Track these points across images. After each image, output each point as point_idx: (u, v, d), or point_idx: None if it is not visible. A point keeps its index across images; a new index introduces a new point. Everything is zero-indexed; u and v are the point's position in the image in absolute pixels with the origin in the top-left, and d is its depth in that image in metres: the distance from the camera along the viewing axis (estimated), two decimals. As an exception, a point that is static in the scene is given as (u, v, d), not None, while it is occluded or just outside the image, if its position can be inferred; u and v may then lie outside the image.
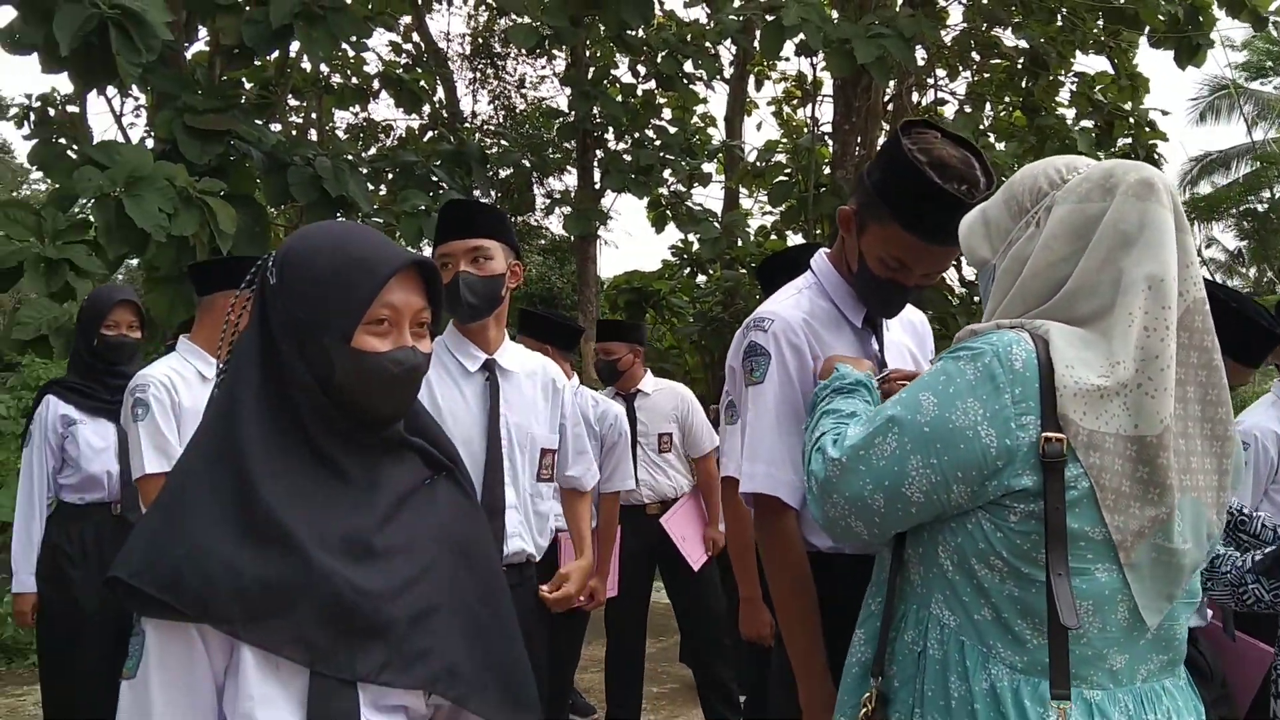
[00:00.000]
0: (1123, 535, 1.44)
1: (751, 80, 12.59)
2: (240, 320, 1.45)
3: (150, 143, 6.52)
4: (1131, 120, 9.20)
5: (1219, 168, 21.81)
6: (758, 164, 9.09)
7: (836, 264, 2.10)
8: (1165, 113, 9.55)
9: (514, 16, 7.17)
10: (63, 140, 6.26)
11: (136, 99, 8.01)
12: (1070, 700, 1.42)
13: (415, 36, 11.23)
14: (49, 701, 3.60)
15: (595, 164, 8.25)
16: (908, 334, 2.24)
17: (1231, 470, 1.52)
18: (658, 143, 7.76)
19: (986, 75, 10.75)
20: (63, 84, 6.59)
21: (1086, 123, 9.36)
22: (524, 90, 12.31)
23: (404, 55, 11.37)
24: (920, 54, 10.01)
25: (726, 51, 11.54)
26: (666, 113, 12.32)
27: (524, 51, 11.55)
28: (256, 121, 6.87)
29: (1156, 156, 9.29)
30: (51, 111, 8.44)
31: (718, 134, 12.05)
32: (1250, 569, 2.22)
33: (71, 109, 8.29)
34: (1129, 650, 1.48)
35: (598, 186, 8.01)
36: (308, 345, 1.35)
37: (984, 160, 1.92)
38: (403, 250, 1.43)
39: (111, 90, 6.63)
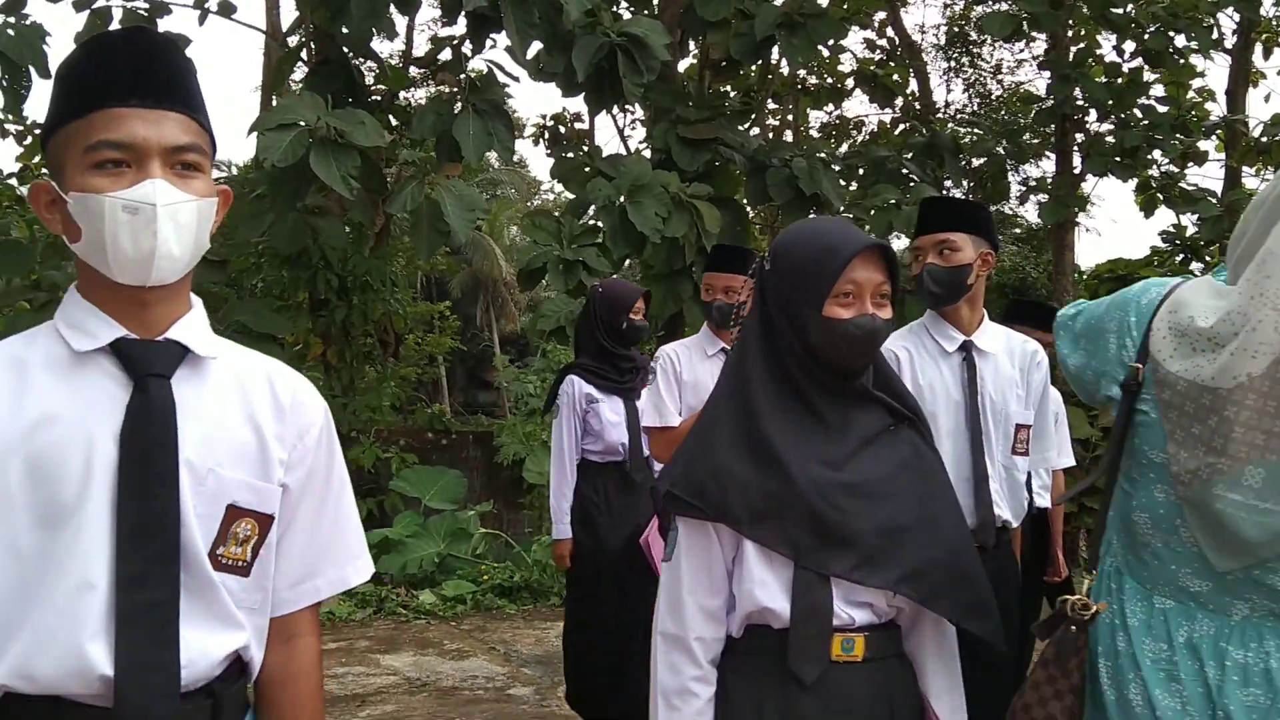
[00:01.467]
0: (1179, 469, 1.55)
1: (1260, 48, 11.39)
2: (747, 301, 1.84)
3: (648, 153, 7.24)
4: None
5: None
6: (1263, 139, 8.23)
7: None
8: None
9: (989, 4, 7.09)
10: (574, 155, 7.10)
11: (633, 112, 8.84)
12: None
13: (890, 31, 11.37)
14: (573, 626, 4.22)
15: (1075, 148, 7.91)
16: None
17: None
18: (1145, 123, 7.29)
19: None
20: (572, 104, 7.46)
21: None
22: (1000, 76, 12.02)
23: (878, 51, 11.55)
24: None
25: (1229, 20, 10.55)
26: (1157, 90, 11.56)
27: (990, 39, 11.29)
28: (739, 127, 7.38)
29: None
30: (562, 130, 9.60)
31: (1217, 108, 11.03)
32: None
33: (580, 126, 9.36)
34: (1209, 579, 1.57)
35: (1077, 171, 7.68)
36: (792, 315, 1.70)
37: None
38: (865, 236, 1.72)
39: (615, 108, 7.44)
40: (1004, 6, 6.92)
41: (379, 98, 6.93)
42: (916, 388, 2.70)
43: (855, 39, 10.99)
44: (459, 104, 5.85)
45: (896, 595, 1.65)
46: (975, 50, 11.64)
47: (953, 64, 12.03)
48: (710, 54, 7.07)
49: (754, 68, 7.53)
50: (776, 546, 1.63)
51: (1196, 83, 11.47)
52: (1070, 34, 8.91)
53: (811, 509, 1.61)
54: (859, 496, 1.65)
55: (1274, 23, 10.95)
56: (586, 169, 6.58)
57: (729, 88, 8.58)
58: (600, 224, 6.23)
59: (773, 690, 1.64)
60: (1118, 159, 7.21)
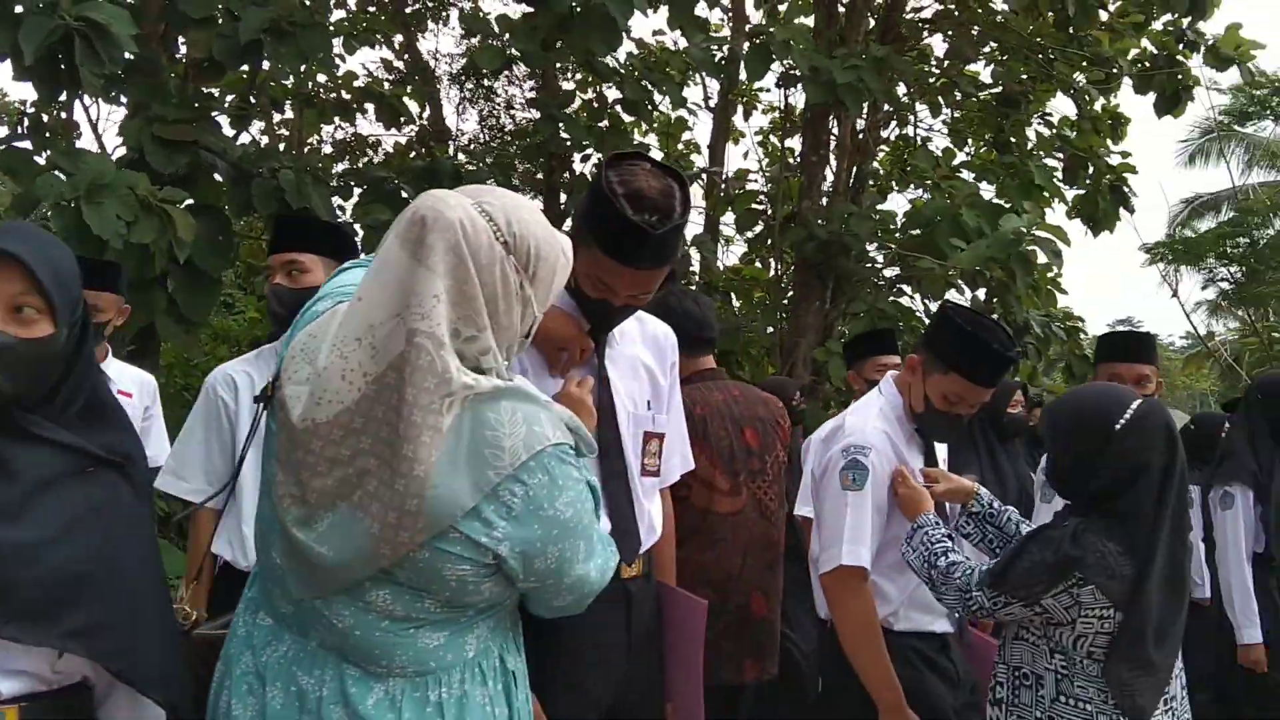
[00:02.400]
0: (272, 485, 1.60)
1: (740, 109, 12.73)
2: None
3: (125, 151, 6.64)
4: (1092, 163, 9.31)
5: (1209, 210, 21.95)
6: (730, 191, 9.19)
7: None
8: (1125, 154, 9.62)
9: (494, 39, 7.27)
10: (28, 146, 6.37)
11: (114, 108, 8.12)
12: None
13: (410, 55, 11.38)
14: None
15: (562, 185, 8.34)
16: (648, 347, 2.44)
17: (416, 512, 1.54)
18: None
19: (967, 113, 10.89)
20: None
21: (1053, 162, 9.47)
22: (513, 111, 12.42)
23: (394, 73, 11.51)
24: (901, 89, 10.26)
25: (713, 81, 11.70)
26: (651, 138, 12.55)
27: (512, 72, 11.69)
28: (226, 133, 6.99)
29: (1126, 190, 9.39)
30: (45, 118, 8.59)
31: (701, 160, 12.17)
32: (978, 580, 2.31)
33: (64, 115, 8.42)
34: (293, 603, 1.61)
35: (563, 208, 8.11)
36: None
37: (686, 191, 2.10)
38: None
39: (89, 99, 6.76)
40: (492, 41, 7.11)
41: None
42: None
43: (374, 56, 10.90)
44: None
45: (63, 656, 1.51)
46: (489, 84, 11.94)
47: (466, 94, 12.27)
48: (192, 52, 6.63)
49: (246, 72, 7.16)
50: None
51: (687, 135, 12.68)
52: (569, 77, 9.46)
53: None
54: (18, 541, 1.49)
55: (749, 88, 12.28)
56: (40, 160, 5.90)
57: (226, 91, 8.12)
58: (51, 225, 5.59)
59: None
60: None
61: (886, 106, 10.56)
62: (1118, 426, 2.23)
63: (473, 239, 1.60)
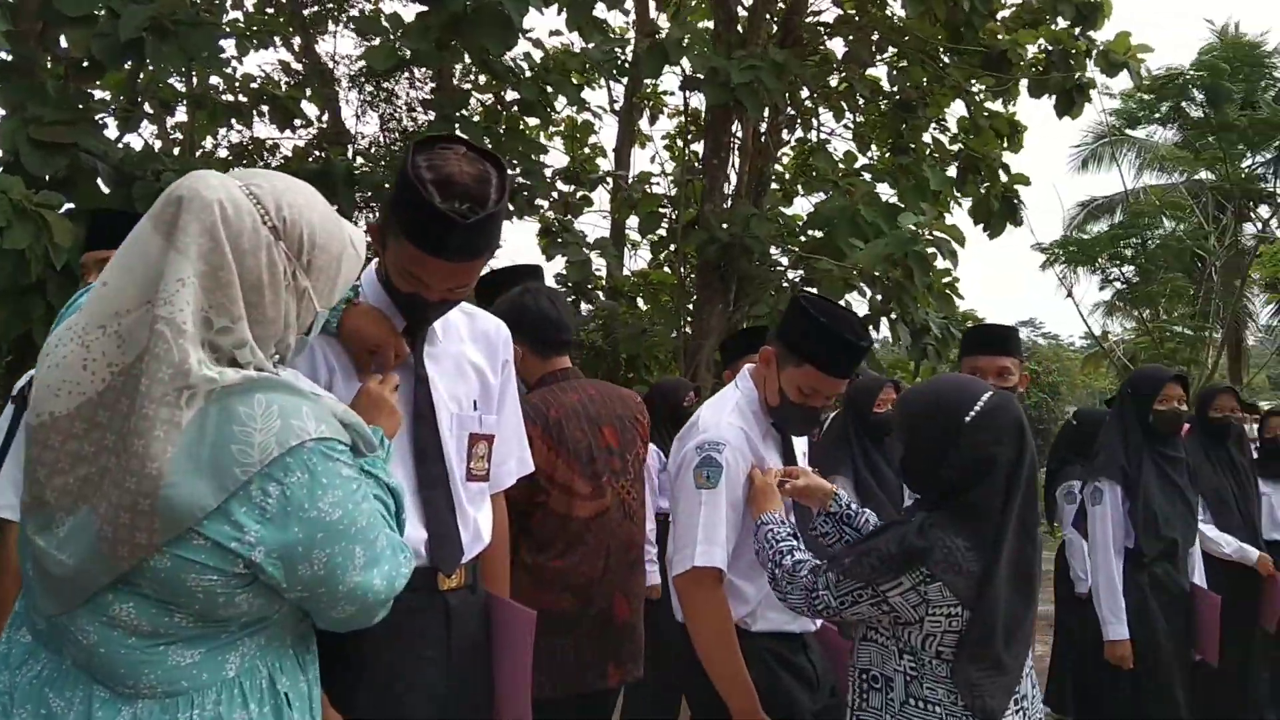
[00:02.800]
0: (24, 495, 1.49)
1: (647, 113, 12.75)
2: None
3: (-1, 153, 6.38)
4: (984, 167, 9.49)
5: (1104, 213, 22.64)
6: (633, 194, 9.18)
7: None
8: (1009, 169, 9.84)
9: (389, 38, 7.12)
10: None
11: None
12: None
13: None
14: None
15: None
16: (477, 344, 2.31)
17: (150, 512, 1.44)
18: (519, 169, 7.77)
19: (869, 117, 11.04)
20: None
21: (949, 169, 9.64)
22: (415, 114, 12.25)
23: (292, 75, 11.28)
24: (804, 93, 10.36)
25: (618, 85, 11.69)
26: (557, 140, 12.49)
27: (414, 75, 11.54)
28: (108, 134, 6.76)
29: (1017, 203, 9.58)
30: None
31: (607, 164, 12.16)
32: (824, 578, 2.25)
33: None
34: (45, 620, 1.52)
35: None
36: None
37: (504, 177, 2.00)
38: None
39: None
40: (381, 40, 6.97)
41: None
42: None
43: (270, 58, 10.67)
44: None
45: None
46: (389, 86, 11.77)
47: (367, 97, 12.08)
48: (72, 51, 6.39)
49: (129, 71, 6.93)
50: None
51: (593, 139, 12.66)
52: (469, 78, 9.36)
53: None
54: None
55: (654, 90, 12.30)
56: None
57: (111, 91, 7.86)
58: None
59: None
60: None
61: (790, 110, 10.69)
62: (968, 419, 2.18)
63: (233, 222, 1.50)
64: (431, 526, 2.11)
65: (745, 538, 2.60)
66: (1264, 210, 21.64)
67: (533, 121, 9.80)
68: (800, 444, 2.94)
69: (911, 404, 2.37)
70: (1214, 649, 4.33)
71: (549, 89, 7.43)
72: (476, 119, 8.04)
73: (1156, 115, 19.60)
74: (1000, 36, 9.57)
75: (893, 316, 8.41)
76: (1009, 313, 53.47)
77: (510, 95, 8.43)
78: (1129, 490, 4.28)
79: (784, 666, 2.68)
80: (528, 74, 7.32)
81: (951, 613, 2.15)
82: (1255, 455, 5.75)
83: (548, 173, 10.20)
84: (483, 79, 9.82)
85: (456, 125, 7.11)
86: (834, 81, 10.58)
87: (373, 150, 11.99)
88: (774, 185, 11.51)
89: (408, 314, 2.11)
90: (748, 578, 2.64)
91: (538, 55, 8.05)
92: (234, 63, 9.71)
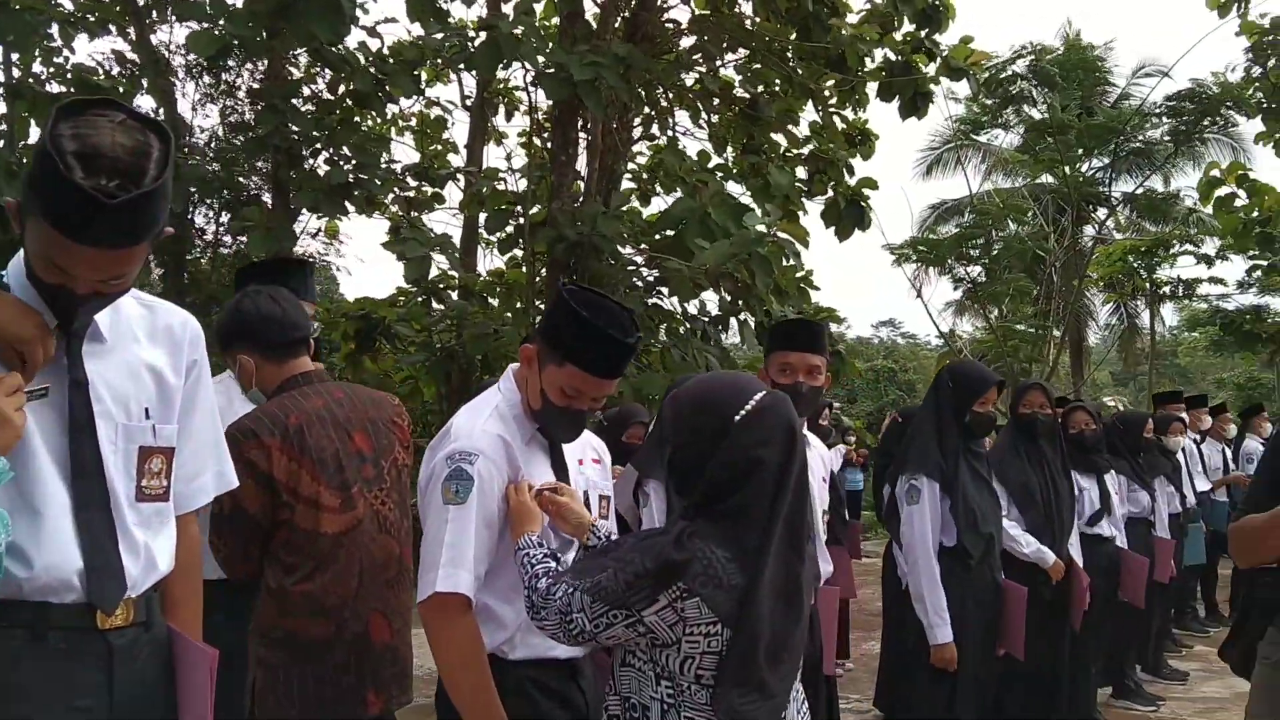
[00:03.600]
0: None
1: (502, 109, 12.54)
2: None
3: None
4: (831, 170, 9.62)
5: (953, 215, 23.38)
6: (481, 191, 8.99)
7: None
8: (854, 172, 10.01)
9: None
10: None
11: None
12: None
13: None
14: None
15: (291, 183, 7.90)
16: (155, 342, 2.04)
17: None
18: (354, 162, 7.50)
19: (723, 118, 11.06)
20: None
21: (800, 171, 9.73)
22: (257, 105, 11.82)
23: (127, 65, 10.73)
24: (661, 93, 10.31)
25: (469, 77, 11.45)
26: (408, 138, 12.20)
27: (255, 66, 11.10)
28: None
29: (865, 206, 9.72)
30: None
31: (459, 160, 11.92)
32: (579, 600, 2.06)
33: None
34: None
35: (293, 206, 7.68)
36: None
37: (168, 150, 1.75)
38: None
39: None
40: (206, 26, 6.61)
41: None
42: None
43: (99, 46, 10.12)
44: None
45: None
46: (229, 78, 11.31)
47: (207, 89, 11.59)
48: None
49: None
50: None
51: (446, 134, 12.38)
52: (304, 69, 9.00)
53: None
54: None
55: (506, 85, 12.10)
56: None
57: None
58: None
59: None
60: (328, 195, 7.30)
61: (648, 110, 10.63)
62: (736, 418, 2.04)
63: None
64: (88, 556, 1.84)
65: (506, 556, 2.35)
66: (1102, 213, 22.68)
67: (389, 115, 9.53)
68: (572, 449, 2.63)
69: (682, 401, 2.21)
70: (1020, 644, 4.29)
71: (382, 79, 7.17)
72: (310, 111, 7.73)
73: (999, 120, 20.33)
74: (844, 32, 9.68)
75: (742, 317, 8.43)
76: (868, 314, 54.79)
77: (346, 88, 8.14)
78: (947, 487, 4.20)
79: (548, 696, 2.45)
80: (363, 64, 7.05)
81: (711, 631, 1.99)
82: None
83: (397, 168, 9.97)
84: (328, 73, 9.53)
85: (285, 117, 6.82)
86: (689, 81, 10.57)
87: (212, 145, 11.54)
88: (631, 184, 11.45)
89: (54, 309, 1.84)
90: (507, 600, 2.38)
91: (368, 45, 7.77)
92: (65, 51, 9.21)
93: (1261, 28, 17.57)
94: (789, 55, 9.79)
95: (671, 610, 1.97)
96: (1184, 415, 8.44)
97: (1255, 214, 17.09)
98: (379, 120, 9.12)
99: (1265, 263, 17.30)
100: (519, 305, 9.29)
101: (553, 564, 2.19)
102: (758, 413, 2.07)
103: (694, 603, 1.96)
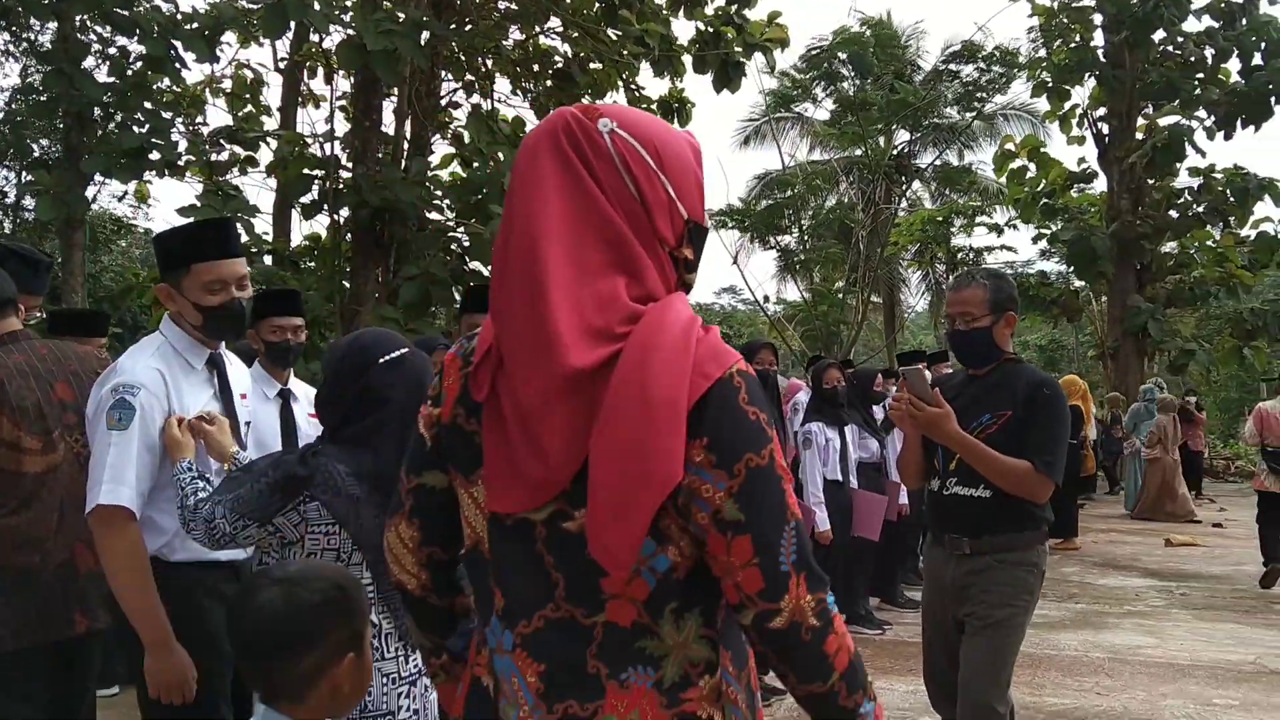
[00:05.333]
0: None
1: (321, 73, 12.43)
2: None
3: None
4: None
5: (781, 186, 24.15)
6: (285, 156, 9.00)
7: None
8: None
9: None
10: None
11: None
12: None
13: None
14: None
15: (82, 147, 7.80)
16: None
17: None
18: (148, 126, 7.45)
19: (546, 87, 11.26)
20: None
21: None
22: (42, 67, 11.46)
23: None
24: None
25: (283, 45, 11.33)
26: (221, 102, 11.99)
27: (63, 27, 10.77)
28: None
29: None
30: None
31: (272, 123, 11.79)
32: (221, 510, 2.39)
33: None
34: None
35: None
36: None
37: None
38: None
39: None
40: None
41: None
42: None
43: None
44: None
45: None
46: (28, 36, 10.94)
47: (7, 47, 11.21)
48: None
49: None
50: None
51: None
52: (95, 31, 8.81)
53: None
54: None
55: (318, 48, 12.00)
56: None
57: None
58: None
59: None
60: (122, 160, 7.25)
61: (469, 76, 10.75)
62: (381, 360, 2.41)
63: None
64: None
65: (168, 479, 2.70)
66: (917, 186, 23.83)
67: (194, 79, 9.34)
68: (241, 378, 3.10)
69: (341, 344, 2.59)
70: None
71: (178, 46, 7.15)
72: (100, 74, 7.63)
73: (809, 96, 21.11)
74: (658, 18, 10.03)
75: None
76: (711, 281, 55.71)
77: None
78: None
79: (209, 596, 2.80)
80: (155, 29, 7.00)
81: (330, 531, 2.37)
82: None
83: (205, 131, 9.89)
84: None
85: (72, 80, 6.76)
86: (510, 47, 10.73)
87: (11, 106, 11.16)
88: (451, 150, 11.56)
89: None
90: (167, 511, 2.72)
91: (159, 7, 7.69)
92: None
93: (1050, 9, 18.80)
94: (600, 28, 10.07)
95: (295, 512, 2.35)
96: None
97: (1040, 186, 18.37)
98: (182, 84, 9.01)
99: (1047, 232, 18.61)
100: (322, 272, 9.36)
101: (200, 484, 2.54)
102: (399, 361, 2.44)
103: (314, 506, 2.33)
